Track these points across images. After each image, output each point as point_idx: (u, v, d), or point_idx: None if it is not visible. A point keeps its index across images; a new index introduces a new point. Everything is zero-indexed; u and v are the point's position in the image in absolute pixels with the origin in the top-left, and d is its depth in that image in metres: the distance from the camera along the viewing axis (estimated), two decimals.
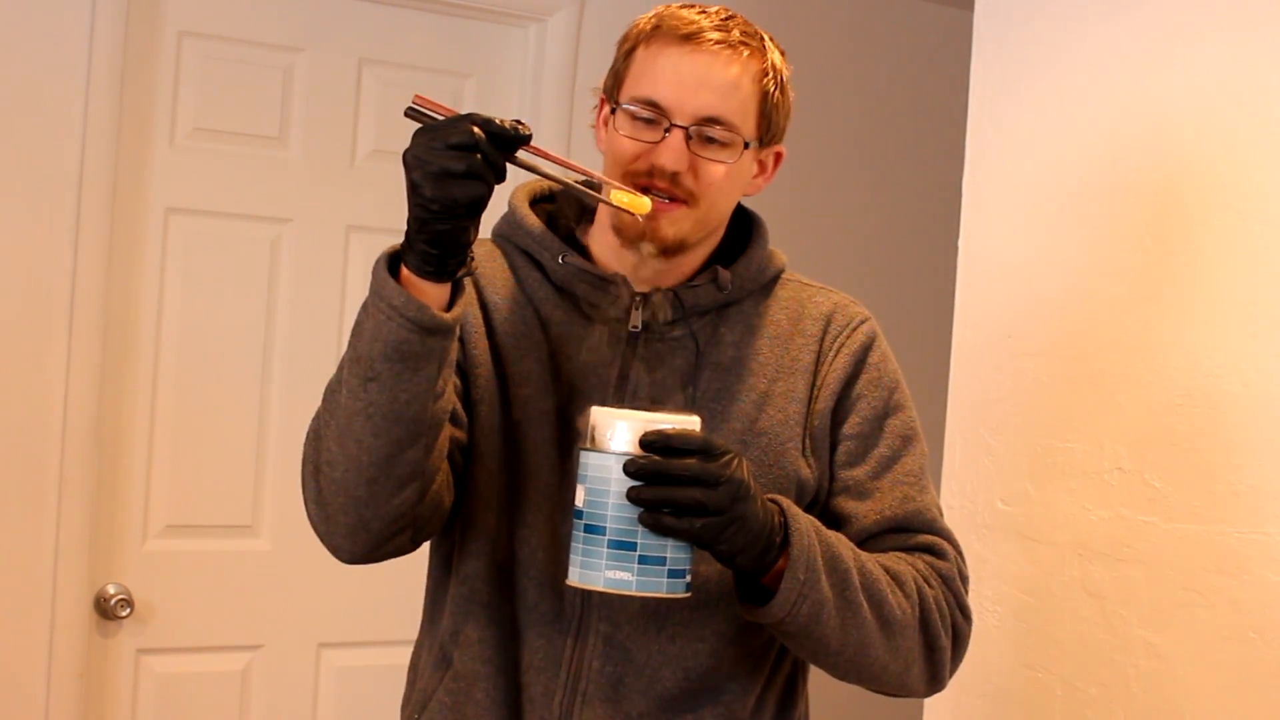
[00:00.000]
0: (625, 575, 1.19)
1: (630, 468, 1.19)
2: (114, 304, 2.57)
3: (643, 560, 1.20)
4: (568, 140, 2.87)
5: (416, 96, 1.23)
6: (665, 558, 1.20)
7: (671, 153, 1.35)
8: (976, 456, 2.24)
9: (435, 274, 1.23)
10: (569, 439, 1.39)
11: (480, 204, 1.20)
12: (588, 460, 1.22)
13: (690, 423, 1.23)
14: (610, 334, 1.42)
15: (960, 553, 1.46)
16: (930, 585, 1.39)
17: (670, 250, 1.39)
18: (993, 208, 2.29)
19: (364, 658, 2.80)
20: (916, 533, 1.43)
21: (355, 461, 1.26)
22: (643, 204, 1.33)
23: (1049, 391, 2.16)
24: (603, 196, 1.35)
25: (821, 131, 3.13)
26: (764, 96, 1.40)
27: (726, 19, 1.40)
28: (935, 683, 1.42)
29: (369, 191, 2.79)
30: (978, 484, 2.24)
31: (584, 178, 1.34)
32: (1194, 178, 1.99)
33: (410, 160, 1.19)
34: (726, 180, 1.39)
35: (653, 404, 1.39)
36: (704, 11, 1.40)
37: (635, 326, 1.42)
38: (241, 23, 2.68)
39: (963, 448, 2.27)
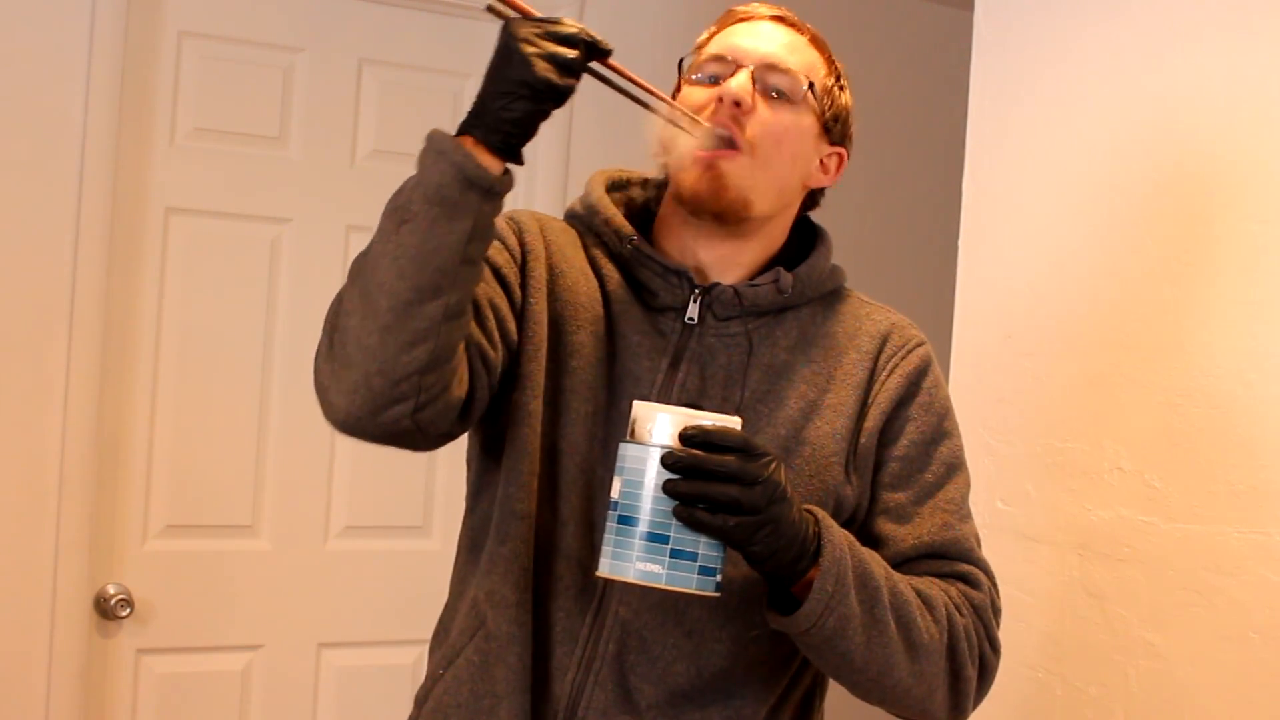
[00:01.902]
0: (656, 568, 1.19)
1: (668, 460, 1.19)
2: (114, 304, 2.57)
3: (674, 554, 1.19)
4: (568, 140, 2.87)
5: None
6: (697, 554, 1.20)
7: (736, 83, 1.39)
8: (977, 456, 2.24)
9: (503, 146, 1.25)
10: (612, 417, 1.40)
11: (568, 96, 1.24)
12: (626, 452, 1.22)
13: (731, 422, 1.23)
14: (667, 323, 1.43)
15: (995, 585, 1.45)
16: (961, 614, 1.39)
17: (728, 213, 1.40)
18: (993, 208, 2.29)
19: (364, 658, 2.80)
20: (953, 561, 1.43)
21: (374, 306, 1.25)
22: (704, 126, 1.37)
23: (1049, 391, 2.16)
24: (662, 111, 1.37)
25: None
26: (823, 78, 1.46)
27: (788, 14, 1.49)
28: (957, 712, 1.41)
29: (369, 191, 2.77)
30: (978, 484, 2.22)
31: (651, 97, 1.36)
32: (1194, 177, 1.99)
33: (523, 37, 1.22)
34: (784, 134, 1.41)
35: (699, 397, 1.40)
36: (767, 4, 1.49)
37: (692, 319, 1.43)
38: (241, 23, 2.68)
39: (963, 448, 2.26)
